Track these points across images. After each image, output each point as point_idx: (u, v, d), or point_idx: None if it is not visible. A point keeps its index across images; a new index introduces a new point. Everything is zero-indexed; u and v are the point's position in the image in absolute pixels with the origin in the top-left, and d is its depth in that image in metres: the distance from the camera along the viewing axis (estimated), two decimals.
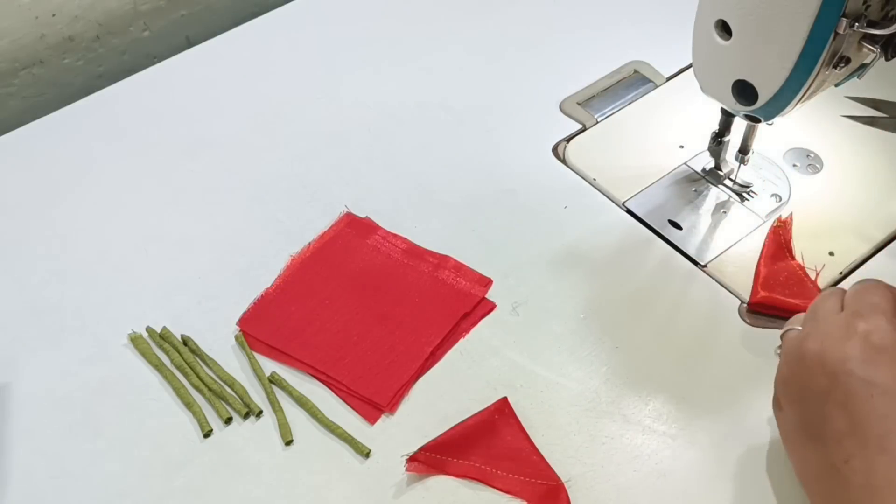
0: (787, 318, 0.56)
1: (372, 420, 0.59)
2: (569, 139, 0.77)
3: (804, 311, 0.54)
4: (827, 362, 0.46)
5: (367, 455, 0.58)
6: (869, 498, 0.44)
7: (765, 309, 0.63)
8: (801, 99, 0.59)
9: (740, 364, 0.61)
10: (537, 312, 0.65)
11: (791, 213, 0.69)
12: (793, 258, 0.66)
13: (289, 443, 0.58)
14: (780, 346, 0.53)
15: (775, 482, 0.56)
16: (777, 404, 0.52)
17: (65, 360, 0.63)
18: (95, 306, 0.66)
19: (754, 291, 0.64)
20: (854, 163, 0.73)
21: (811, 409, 0.47)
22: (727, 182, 0.72)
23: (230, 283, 0.67)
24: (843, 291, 0.51)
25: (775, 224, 0.68)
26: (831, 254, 0.67)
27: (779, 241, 0.67)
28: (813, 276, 0.65)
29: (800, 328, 0.51)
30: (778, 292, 0.63)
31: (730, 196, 0.72)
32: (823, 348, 0.47)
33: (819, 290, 0.64)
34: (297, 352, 0.63)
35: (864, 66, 0.59)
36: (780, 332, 0.55)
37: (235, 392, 0.61)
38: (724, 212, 0.71)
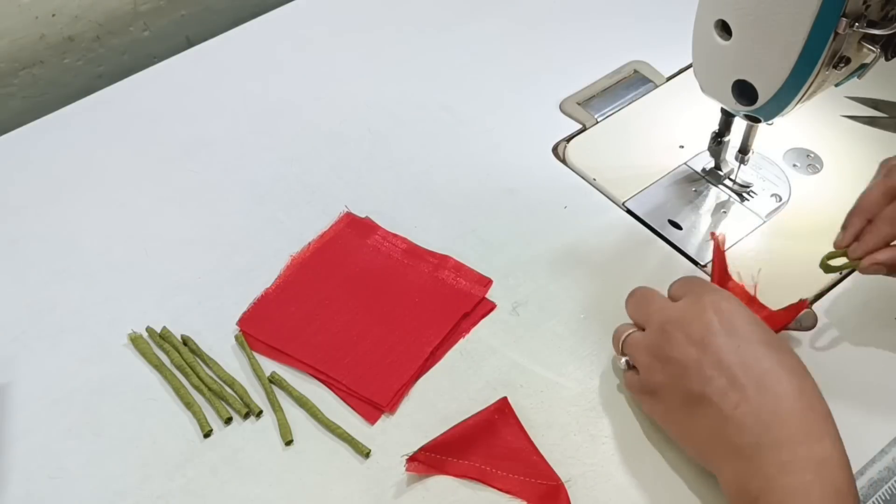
0: None
1: (372, 420, 0.59)
2: (569, 139, 0.77)
3: None
4: (693, 335, 0.53)
5: (367, 455, 0.58)
6: (764, 432, 0.49)
7: None
8: (801, 99, 0.59)
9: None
10: (537, 312, 0.65)
11: (723, 234, 0.67)
12: (731, 279, 0.62)
13: (289, 443, 0.58)
14: (624, 357, 0.58)
15: None
16: (649, 398, 0.56)
17: (65, 360, 0.63)
18: (95, 306, 0.66)
19: None
20: (854, 163, 0.73)
21: (690, 379, 0.52)
22: (727, 182, 0.72)
23: (230, 283, 0.67)
24: (654, 291, 0.58)
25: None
26: None
27: (722, 263, 0.63)
28: (752, 293, 0.62)
29: (633, 330, 0.58)
30: None
31: (730, 196, 0.72)
32: (685, 326, 0.54)
33: (763, 306, 0.61)
34: (297, 352, 0.63)
35: (864, 66, 0.59)
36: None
37: (235, 392, 0.61)
38: (724, 212, 0.71)
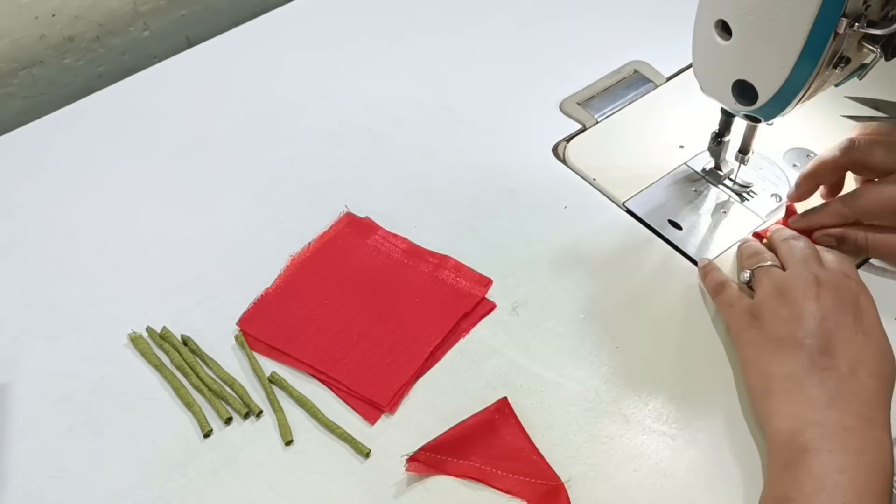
0: None
1: (372, 420, 0.59)
2: (569, 139, 0.77)
3: None
4: (825, 302, 0.57)
5: (367, 455, 0.58)
6: (839, 398, 0.53)
7: None
8: (801, 99, 0.59)
9: (740, 364, 0.61)
10: (537, 312, 0.65)
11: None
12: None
13: (289, 443, 0.58)
14: (747, 271, 0.62)
15: None
16: (749, 320, 0.59)
17: (65, 360, 0.63)
18: (95, 306, 0.66)
19: None
20: None
21: (801, 328, 0.56)
22: (727, 182, 0.72)
23: (230, 283, 0.67)
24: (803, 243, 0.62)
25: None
26: None
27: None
28: None
29: (774, 264, 0.61)
30: None
31: (730, 196, 0.72)
32: (830, 291, 0.58)
33: None
34: (297, 352, 0.63)
35: (864, 66, 0.59)
36: None
37: (235, 392, 0.61)
38: (724, 212, 0.71)
